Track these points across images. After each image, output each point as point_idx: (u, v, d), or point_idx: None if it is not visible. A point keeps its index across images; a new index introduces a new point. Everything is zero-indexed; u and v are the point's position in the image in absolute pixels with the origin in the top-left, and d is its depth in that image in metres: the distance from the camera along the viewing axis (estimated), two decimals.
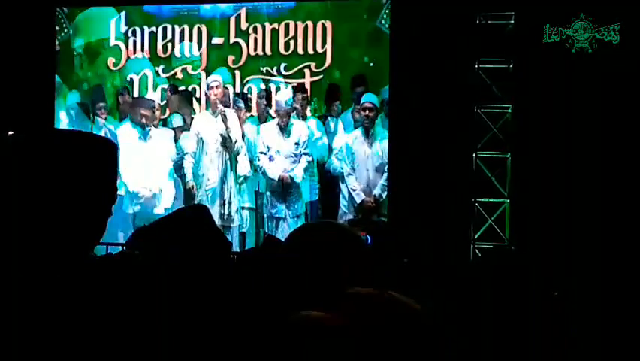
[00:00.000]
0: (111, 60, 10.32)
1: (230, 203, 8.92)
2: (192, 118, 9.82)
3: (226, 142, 9.02)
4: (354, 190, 8.77)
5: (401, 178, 7.84)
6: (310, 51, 9.89)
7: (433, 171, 7.56)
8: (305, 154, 9.07)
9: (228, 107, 9.29)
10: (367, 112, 8.79)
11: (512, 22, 7.35)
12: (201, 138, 9.10)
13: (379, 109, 8.92)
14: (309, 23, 9.89)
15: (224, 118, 8.95)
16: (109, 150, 2.47)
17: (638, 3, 6.94)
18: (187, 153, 9.19)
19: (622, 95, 6.96)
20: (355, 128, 9.07)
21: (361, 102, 8.89)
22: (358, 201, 8.74)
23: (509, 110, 7.47)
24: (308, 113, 9.75)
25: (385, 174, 8.69)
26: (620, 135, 6.97)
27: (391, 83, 8.62)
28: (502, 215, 7.44)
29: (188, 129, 9.61)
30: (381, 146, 8.74)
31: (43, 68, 9.35)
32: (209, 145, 9.10)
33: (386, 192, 8.68)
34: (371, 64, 9.49)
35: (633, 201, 6.87)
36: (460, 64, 7.51)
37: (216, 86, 9.08)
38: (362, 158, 8.79)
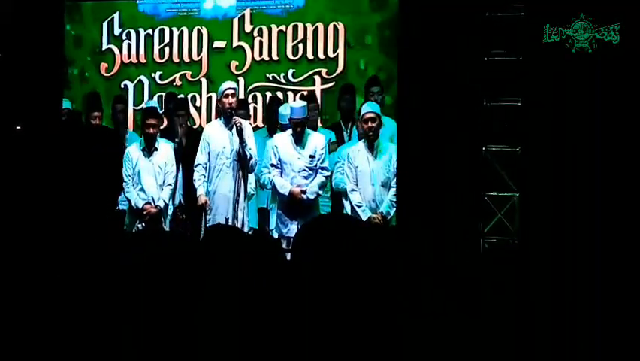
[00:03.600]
0: (104, 65, 9.68)
1: (243, 224, 8.10)
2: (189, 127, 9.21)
3: (240, 157, 8.17)
4: (359, 206, 8.02)
5: (409, 172, 7.57)
6: (321, 56, 9.43)
7: (442, 165, 7.41)
8: (322, 169, 8.25)
9: (242, 118, 8.47)
10: (370, 123, 8.00)
11: (522, 14, 7.24)
12: (212, 151, 8.24)
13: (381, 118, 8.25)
14: (320, 25, 9.33)
15: (240, 131, 8.10)
16: (112, 141, 2.51)
17: (638, 3, 6.87)
18: (198, 165, 8.34)
19: (622, 95, 6.90)
20: (359, 140, 8.38)
21: (362, 113, 8.14)
22: (364, 218, 7.98)
23: (519, 104, 7.29)
24: (319, 124, 9.13)
25: (392, 190, 7.99)
26: (620, 136, 6.94)
27: (399, 77, 8.02)
28: (511, 209, 7.29)
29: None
30: (385, 160, 8.06)
31: (51, 61, 8.61)
32: (221, 160, 8.25)
33: (394, 210, 8.00)
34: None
35: (635, 200, 6.78)
36: (469, 57, 7.35)
37: (231, 95, 8.25)
38: (366, 172, 8.07)
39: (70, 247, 4.28)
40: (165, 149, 8.50)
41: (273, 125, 8.95)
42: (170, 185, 8.48)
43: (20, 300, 4.25)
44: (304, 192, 8.11)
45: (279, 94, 9.44)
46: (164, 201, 8.43)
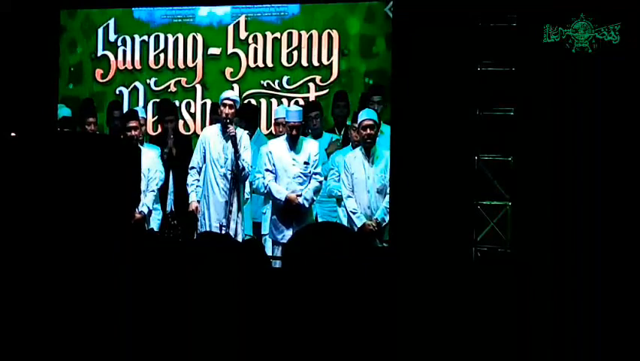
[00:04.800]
0: (99, 72, 9.68)
1: (236, 233, 8.13)
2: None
3: (233, 168, 8.21)
4: (354, 213, 8.06)
5: (403, 180, 7.74)
6: (315, 63, 9.42)
7: (436, 174, 7.60)
8: (316, 174, 8.29)
9: (239, 126, 8.47)
10: (369, 130, 8.06)
11: (514, 24, 7.44)
12: (208, 157, 8.27)
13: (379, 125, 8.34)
14: (314, 32, 9.34)
15: (233, 141, 8.15)
16: (130, 153, 2.73)
17: (638, 3, 6.99)
18: (193, 168, 8.38)
19: (622, 95, 7.04)
20: (353, 148, 8.43)
21: (359, 120, 8.18)
22: (359, 225, 8.04)
23: (512, 113, 7.48)
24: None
25: (388, 197, 8.07)
26: (621, 135, 7.06)
27: (393, 86, 8.24)
28: (504, 218, 7.50)
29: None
30: (382, 167, 8.14)
31: (45, 69, 9.12)
32: (216, 167, 8.29)
33: (389, 217, 8.04)
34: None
35: (635, 202, 6.93)
36: (462, 67, 7.55)
37: (229, 105, 8.29)
38: (361, 179, 8.13)
39: (70, 252, 4.30)
40: (148, 155, 8.41)
41: (251, 131, 8.94)
42: (153, 191, 8.48)
43: (17, 306, 4.26)
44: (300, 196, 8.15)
45: (274, 101, 9.46)
46: (148, 207, 8.43)
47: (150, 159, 8.43)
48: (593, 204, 7.00)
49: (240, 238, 8.12)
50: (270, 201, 8.35)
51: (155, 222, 8.66)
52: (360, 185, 8.11)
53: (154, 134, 9.49)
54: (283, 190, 8.17)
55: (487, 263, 7.19)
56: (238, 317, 3.94)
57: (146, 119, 9.10)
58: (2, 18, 8.74)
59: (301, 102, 9.22)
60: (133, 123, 8.52)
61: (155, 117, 9.58)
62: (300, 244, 4.33)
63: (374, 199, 8.12)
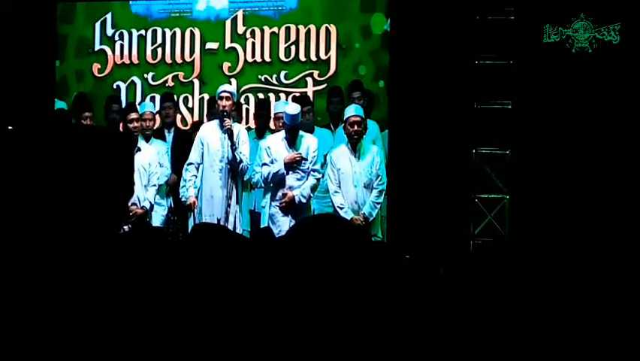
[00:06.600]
0: (96, 66, 9.66)
1: (234, 227, 8.10)
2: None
3: (230, 161, 8.20)
4: (341, 208, 8.05)
5: (401, 174, 7.88)
6: (313, 58, 9.40)
7: (433, 167, 7.69)
8: (314, 171, 8.27)
9: (237, 121, 8.43)
10: (356, 127, 8.01)
11: (512, 17, 7.54)
12: (206, 151, 8.25)
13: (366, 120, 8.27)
14: (312, 27, 9.31)
15: (230, 134, 8.13)
16: (123, 144, 2.72)
17: (638, 3, 7.07)
18: (191, 164, 8.36)
19: (622, 95, 7.11)
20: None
21: (346, 116, 8.12)
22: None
23: (509, 107, 7.57)
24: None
25: (375, 191, 8.01)
26: (621, 135, 7.11)
27: (391, 80, 8.27)
28: (501, 211, 7.58)
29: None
30: (368, 162, 8.06)
31: (43, 62, 9.25)
32: (214, 161, 8.27)
33: (376, 211, 8.02)
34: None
35: (633, 200, 7.01)
36: (459, 61, 7.62)
37: (226, 98, 8.25)
38: (348, 174, 8.10)
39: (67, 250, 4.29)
40: (149, 149, 8.44)
41: (262, 127, 8.95)
42: (154, 185, 8.47)
43: (12, 303, 4.26)
44: (295, 196, 8.13)
45: (272, 95, 9.44)
46: (150, 202, 8.43)
47: (150, 153, 8.44)
48: (591, 197, 7.03)
49: (238, 232, 8.11)
50: (269, 194, 8.33)
51: (158, 218, 8.66)
52: (346, 180, 8.09)
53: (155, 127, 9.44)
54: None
55: (485, 256, 7.20)
56: (237, 313, 3.92)
57: (154, 114, 8.98)
58: (2, 18, 8.75)
59: (297, 96, 9.19)
60: (134, 115, 8.53)
61: (157, 110, 9.54)
62: (296, 238, 4.31)
63: (361, 194, 8.08)
